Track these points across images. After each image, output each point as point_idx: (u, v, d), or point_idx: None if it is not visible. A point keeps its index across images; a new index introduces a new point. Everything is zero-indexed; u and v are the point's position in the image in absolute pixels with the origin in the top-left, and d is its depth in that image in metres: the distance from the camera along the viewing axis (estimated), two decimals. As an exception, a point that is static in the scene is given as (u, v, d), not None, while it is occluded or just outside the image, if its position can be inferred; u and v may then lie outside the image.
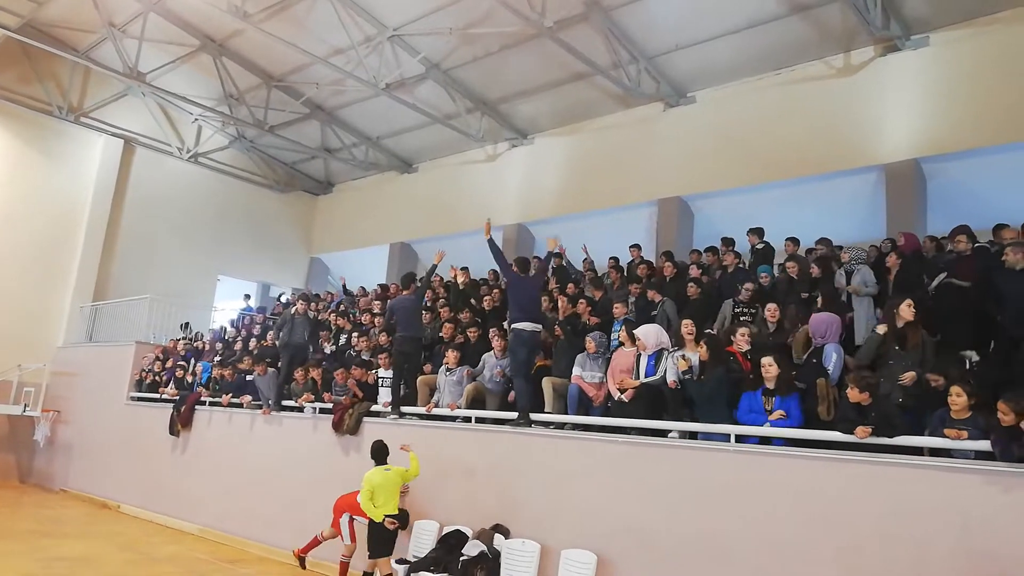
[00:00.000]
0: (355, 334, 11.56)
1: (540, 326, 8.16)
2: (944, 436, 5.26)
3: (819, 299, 7.23)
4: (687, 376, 6.70)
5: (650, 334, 7.23)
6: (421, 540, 7.95)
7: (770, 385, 6.25)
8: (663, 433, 6.89)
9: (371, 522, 7.37)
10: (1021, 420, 4.85)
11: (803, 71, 12.28)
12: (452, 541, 7.47)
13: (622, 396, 7.10)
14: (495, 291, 11.27)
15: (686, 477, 6.46)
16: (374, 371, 9.87)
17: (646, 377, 7.08)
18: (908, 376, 5.87)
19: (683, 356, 6.86)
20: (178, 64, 16.55)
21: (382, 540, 7.36)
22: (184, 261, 18.86)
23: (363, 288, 15.87)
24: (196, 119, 19.14)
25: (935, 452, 5.48)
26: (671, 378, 7.02)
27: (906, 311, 6.26)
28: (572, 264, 12.62)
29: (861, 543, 5.42)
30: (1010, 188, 10.47)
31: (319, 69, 15.23)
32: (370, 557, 7.41)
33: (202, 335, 15.85)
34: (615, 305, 8.94)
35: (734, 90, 13.10)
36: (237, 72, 16.60)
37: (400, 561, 7.66)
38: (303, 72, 16.11)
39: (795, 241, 9.84)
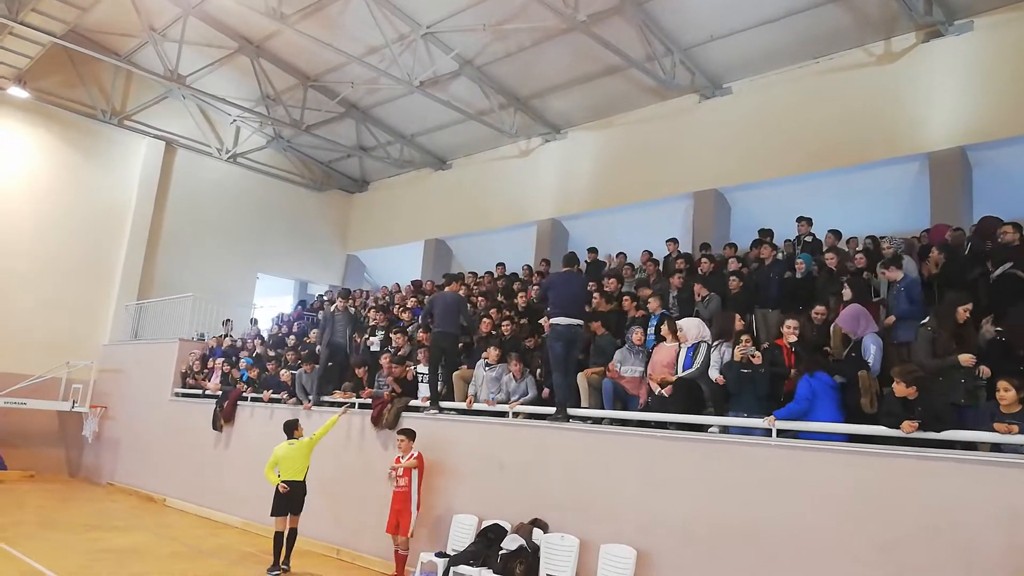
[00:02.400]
0: (393, 331, 11.66)
1: (580, 321, 8.12)
2: (993, 431, 5.13)
3: (845, 291, 7.10)
4: (746, 372, 6.63)
5: (692, 327, 7.18)
6: (460, 534, 8.00)
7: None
8: (701, 427, 6.83)
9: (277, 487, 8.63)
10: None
11: (842, 59, 12.04)
12: (491, 535, 7.50)
13: (663, 391, 7.05)
14: (529, 289, 11.25)
15: (726, 472, 6.39)
16: (413, 367, 9.96)
17: (683, 370, 7.02)
18: (966, 358, 5.75)
19: (756, 351, 6.78)
20: (216, 66, 16.86)
21: (279, 502, 8.65)
22: (224, 260, 19.25)
23: (397, 284, 16.01)
24: (234, 120, 19.48)
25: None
26: (715, 374, 6.98)
27: (963, 314, 6.11)
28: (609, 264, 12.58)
29: (906, 539, 5.31)
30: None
31: (354, 68, 15.39)
32: (271, 515, 8.71)
33: (230, 334, 16.11)
34: (650, 300, 8.91)
35: (771, 80, 12.89)
36: (274, 73, 16.85)
37: (439, 555, 7.73)
38: (338, 71, 16.29)
39: (837, 233, 9.67)
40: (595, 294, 9.60)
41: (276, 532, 8.69)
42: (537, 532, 7.32)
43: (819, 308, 7.33)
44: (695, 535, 6.40)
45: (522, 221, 16.66)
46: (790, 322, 6.85)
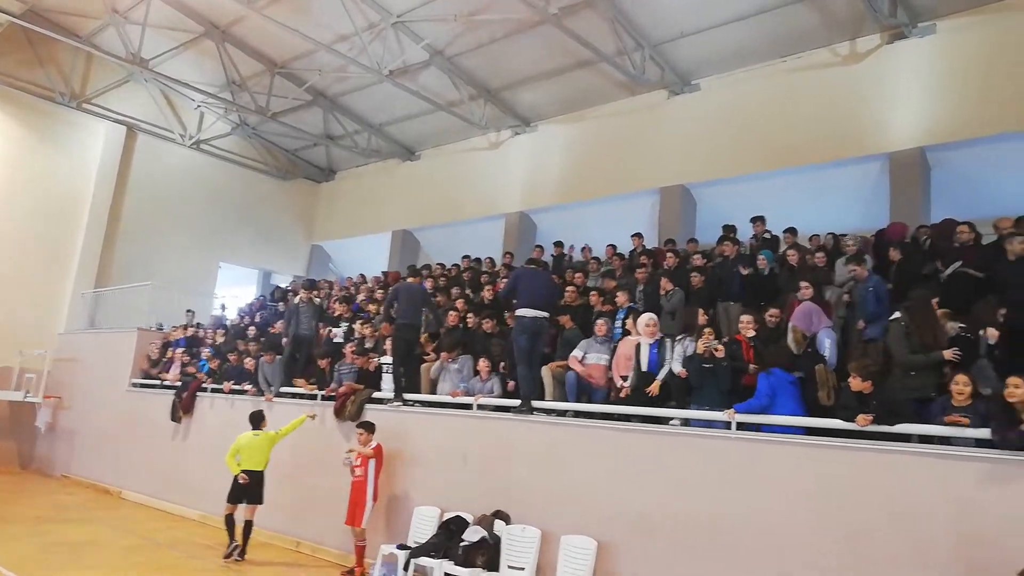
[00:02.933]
0: (358, 322, 11.55)
1: (545, 314, 8.11)
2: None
3: (805, 289, 7.20)
4: (708, 366, 6.68)
5: (655, 320, 7.22)
6: (422, 526, 7.96)
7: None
8: (664, 420, 6.88)
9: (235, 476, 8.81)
10: (1017, 405, 4.84)
11: (808, 58, 12.19)
12: (453, 527, 7.48)
13: (625, 385, 7.09)
14: (497, 282, 11.22)
15: (687, 464, 6.45)
16: (376, 358, 9.87)
17: (648, 366, 7.06)
18: (949, 353, 5.86)
19: (718, 344, 6.84)
20: (181, 50, 16.50)
21: (236, 490, 8.83)
22: (185, 248, 18.88)
23: (363, 276, 15.88)
24: (198, 106, 19.09)
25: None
26: (678, 368, 7.04)
27: (936, 309, 6.27)
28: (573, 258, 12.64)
29: (861, 529, 5.40)
30: (1014, 177, 10.39)
31: (322, 56, 15.17)
32: (227, 501, 8.84)
33: (199, 323, 15.84)
34: (618, 293, 8.96)
35: (739, 77, 13.01)
36: (240, 58, 16.55)
37: (400, 547, 7.68)
38: (306, 59, 16.05)
39: (793, 231, 9.83)
40: (568, 288, 9.61)
41: (227, 515, 8.86)
42: (499, 524, 7.31)
43: (772, 311, 7.37)
44: (656, 526, 6.45)
45: (491, 213, 16.61)
46: (745, 317, 6.92)
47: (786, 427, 6.09)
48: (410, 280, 9.64)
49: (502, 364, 8.66)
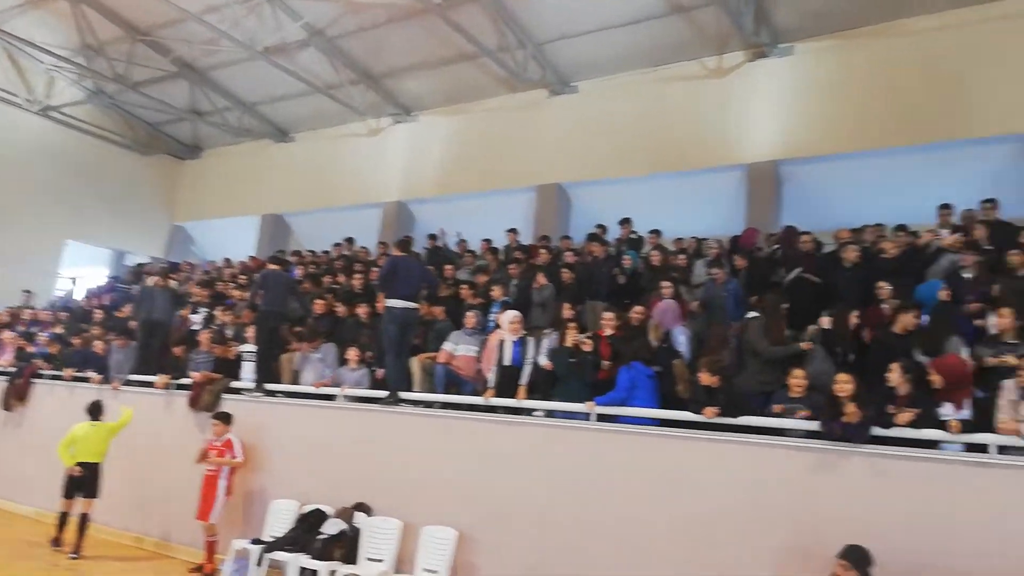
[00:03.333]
0: (219, 308, 10.99)
1: (416, 305, 8.04)
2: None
3: (663, 288, 7.57)
4: (574, 360, 6.85)
5: (518, 318, 7.32)
6: (278, 520, 7.67)
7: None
8: (528, 411, 7.00)
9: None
10: (842, 399, 5.31)
11: (679, 70, 12.77)
12: (311, 520, 7.26)
13: (490, 387, 7.17)
14: (371, 270, 11.02)
15: (549, 454, 6.59)
16: (235, 347, 9.43)
17: (512, 361, 7.16)
18: (806, 345, 6.41)
19: (586, 339, 7.01)
20: (29, 7, 15.01)
21: (69, 484, 8.36)
22: (27, 223, 17.09)
23: (228, 260, 15.13)
24: (49, 69, 17.45)
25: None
26: (544, 361, 7.18)
27: (784, 311, 6.81)
28: (448, 247, 12.63)
29: (709, 515, 5.72)
30: (855, 193, 11.34)
31: (191, 26, 14.24)
32: (62, 496, 8.36)
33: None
34: (493, 288, 9.04)
35: (615, 82, 13.44)
36: (98, 21, 15.24)
37: (255, 541, 7.37)
38: (173, 27, 15.01)
39: (657, 232, 10.31)
40: (443, 280, 9.59)
41: (61, 512, 8.41)
42: (360, 516, 7.19)
43: (637, 308, 7.66)
44: (517, 515, 6.55)
45: (367, 201, 16.29)
46: (608, 315, 7.17)
47: (641, 418, 6.37)
48: (276, 268, 9.24)
49: (369, 354, 8.51)
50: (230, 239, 18.72)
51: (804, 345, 6.47)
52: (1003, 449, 5.06)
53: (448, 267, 10.58)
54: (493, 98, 14.87)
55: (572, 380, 6.88)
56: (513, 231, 12.07)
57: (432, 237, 12.93)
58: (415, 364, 8.07)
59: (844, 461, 5.38)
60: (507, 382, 7.05)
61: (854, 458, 5.35)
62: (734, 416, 5.84)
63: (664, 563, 5.81)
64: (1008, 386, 5.20)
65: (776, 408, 5.67)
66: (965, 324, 6.37)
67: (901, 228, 8.65)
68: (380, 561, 6.86)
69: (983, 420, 5.24)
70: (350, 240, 14.30)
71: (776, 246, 9.21)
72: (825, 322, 6.63)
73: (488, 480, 6.81)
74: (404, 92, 15.65)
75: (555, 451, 6.60)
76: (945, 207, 8.83)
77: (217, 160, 20.00)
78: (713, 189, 12.57)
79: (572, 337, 7.08)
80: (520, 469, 6.68)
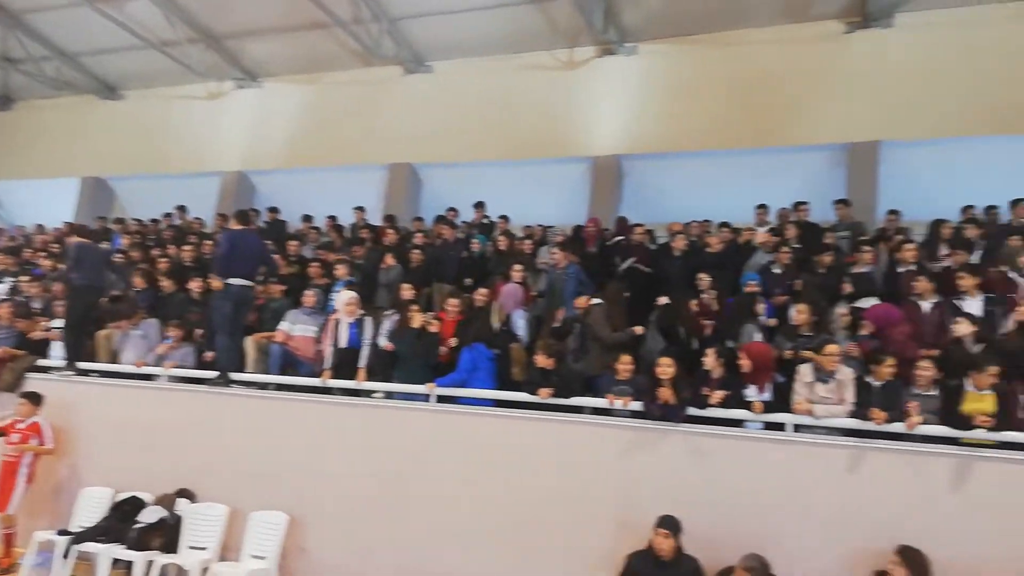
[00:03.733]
0: (25, 278, 9.92)
1: (251, 283, 7.67)
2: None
3: (514, 272, 7.76)
4: (418, 341, 6.83)
5: (354, 299, 7.19)
6: (89, 509, 7.09)
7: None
8: (367, 392, 6.92)
9: None
10: (663, 381, 5.69)
11: (533, 59, 12.98)
12: (126, 508, 6.78)
13: (325, 369, 7.01)
14: (204, 242, 10.37)
15: (387, 435, 6.57)
16: (43, 322, 8.57)
17: (348, 343, 7.03)
18: (639, 329, 6.85)
19: (433, 320, 7.01)
20: None
21: None
22: None
23: (41, 226, 13.68)
24: None
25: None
26: (383, 341, 7.11)
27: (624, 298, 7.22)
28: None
29: (543, 492, 5.96)
30: (689, 189, 12.07)
31: (-2, -42, 12.65)
32: None
33: None
34: (337, 266, 8.81)
35: (470, 66, 13.43)
36: None
37: (61, 532, 6.77)
38: (-24, -42, 13.27)
39: (505, 218, 10.53)
40: (279, 257, 9.19)
41: None
42: (183, 503, 6.81)
43: (482, 291, 7.72)
44: (354, 497, 6.50)
45: (204, 170, 15.23)
46: (453, 301, 7.21)
47: (480, 399, 6.49)
48: (85, 240, 8.45)
49: (199, 332, 8.03)
50: (44, 203, 16.85)
51: (637, 329, 6.85)
52: (798, 427, 5.64)
53: (292, 243, 10.18)
54: (345, 71, 14.40)
55: (414, 361, 6.88)
56: (360, 209, 11.83)
57: (273, 210, 12.35)
58: (250, 344, 7.71)
59: (663, 439, 5.79)
60: (346, 364, 6.92)
61: (672, 436, 5.77)
62: (567, 397, 6.10)
63: (501, 539, 6.00)
64: (804, 370, 5.79)
65: (609, 396, 5.97)
66: (772, 312, 7.01)
67: (724, 225, 9.34)
68: (203, 549, 6.54)
69: (782, 402, 5.80)
70: (182, 209, 13.38)
71: (618, 237, 9.65)
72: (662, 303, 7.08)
73: (324, 463, 6.68)
74: (249, 56, 14.78)
75: (394, 433, 6.59)
76: (761, 207, 9.66)
77: (31, 114, 17.88)
78: (561, 179, 12.91)
79: (418, 319, 7.07)
80: (358, 451, 6.62)
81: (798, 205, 9.52)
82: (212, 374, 7.41)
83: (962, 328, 5.92)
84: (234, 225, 8.06)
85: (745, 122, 11.41)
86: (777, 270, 7.79)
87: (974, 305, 6.38)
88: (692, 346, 6.73)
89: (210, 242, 10.09)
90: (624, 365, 6.09)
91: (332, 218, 11.53)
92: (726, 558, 5.04)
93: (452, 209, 11.45)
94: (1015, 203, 8.49)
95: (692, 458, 5.72)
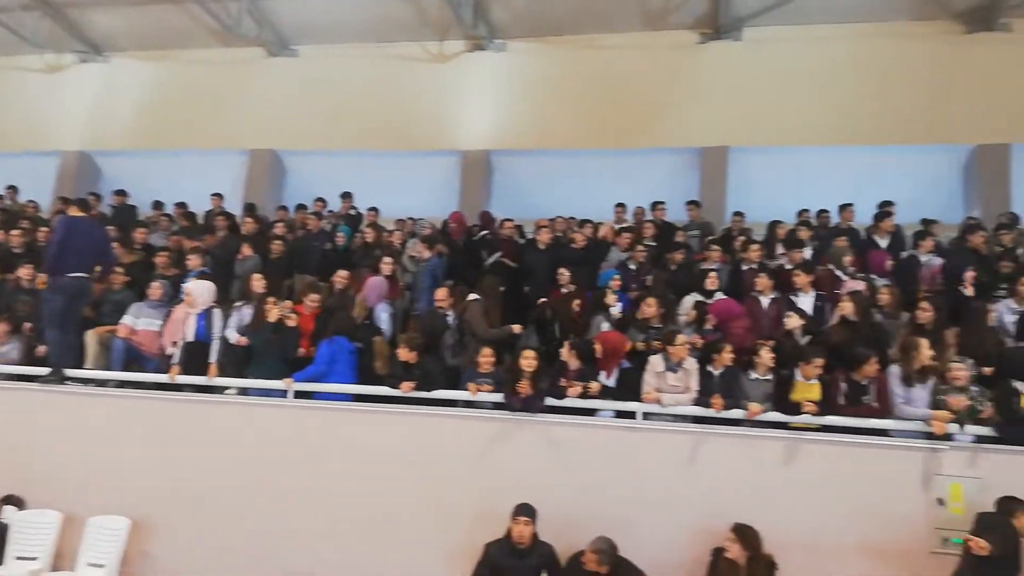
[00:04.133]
0: None
1: (87, 274, 7.09)
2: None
3: (383, 264, 7.67)
4: (276, 334, 6.59)
5: (203, 291, 6.85)
6: None
7: None
8: (219, 389, 6.63)
9: None
10: (524, 374, 5.83)
11: (403, 49, 12.84)
12: (-62, 520, 6.13)
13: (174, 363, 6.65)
14: (38, 228, 9.48)
15: (240, 433, 6.33)
16: None
17: (196, 336, 6.70)
18: (518, 328, 6.93)
19: (292, 312, 6.77)
20: None
21: None
22: None
23: None
24: None
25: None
26: (235, 337, 6.82)
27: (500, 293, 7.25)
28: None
29: (400, 487, 5.95)
30: (556, 186, 12.31)
31: None
32: None
33: None
34: (189, 256, 8.33)
35: (338, 52, 13.09)
36: None
37: None
38: None
39: (375, 210, 10.37)
40: (118, 244, 8.56)
41: None
42: (9, 510, 6.25)
43: (341, 276, 7.61)
44: (206, 499, 6.22)
45: (41, 148, 13.94)
46: (313, 296, 7.02)
47: (340, 395, 6.37)
48: None
49: (28, 325, 7.36)
50: None
51: (515, 328, 6.93)
52: (647, 415, 5.94)
53: (139, 231, 9.52)
54: (202, 49, 13.62)
55: (270, 356, 6.64)
56: (218, 196, 11.26)
57: (120, 193, 11.49)
58: (91, 338, 7.17)
59: (521, 430, 5.94)
60: (196, 359, 6.58)
61: (530, 427, 5.92)
62: (429, 390, 6.11)
63: (361, 533, 5.94)
64: (654, 361, 6.10)
65: (470, 388, 6.03)
66: (627, 306, 7.31)
67: (587, 222, 9.66)
68: (33, 559, 6.04)
69: (627, 388, 6.06)
70: (13, 189, 12.19)
71: (483, 232, 9.74)
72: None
73: (172, 463, 6.35)
74: (93, 27, 13.65)
75: (250, 430, 6.35)
76: (620, 206, 10.09)
77: None
78: (431, 172, 12.85)
79: (275, 312, 6.82)
80: (210, 450, 6.33)
81: (656, 205, 9.98)
82: (44, 371, 6.82)
83: (792, 322, 6.44)
84: (73, 212, 7.43)
85: (608, 123, 11.84)
86: (633, 266, 8.15)
87: (806, 301, 6.94)
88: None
89: (45, 228, 9.25)
90: (485, 358, 6.17)
91: (182, 205, 10.88)
92: (580, 543, 5.21)
93: (319, 199, 11.14)
94: (843, 207, 9.32)
95: (549, 447, 5.90)
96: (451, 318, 6.92)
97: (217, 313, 6.72)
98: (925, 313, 6.15)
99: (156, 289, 7.29)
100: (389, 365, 6.40)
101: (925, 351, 5.57)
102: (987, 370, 5.84)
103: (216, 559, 6.08)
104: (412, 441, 6.07)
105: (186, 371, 6.60)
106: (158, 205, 11.37)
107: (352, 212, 10.70)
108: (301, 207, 10.35)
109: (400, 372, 6.16)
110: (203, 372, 6.60)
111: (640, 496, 5.67)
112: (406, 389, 6.06)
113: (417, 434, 6.08)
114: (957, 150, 11.09)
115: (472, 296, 7.08)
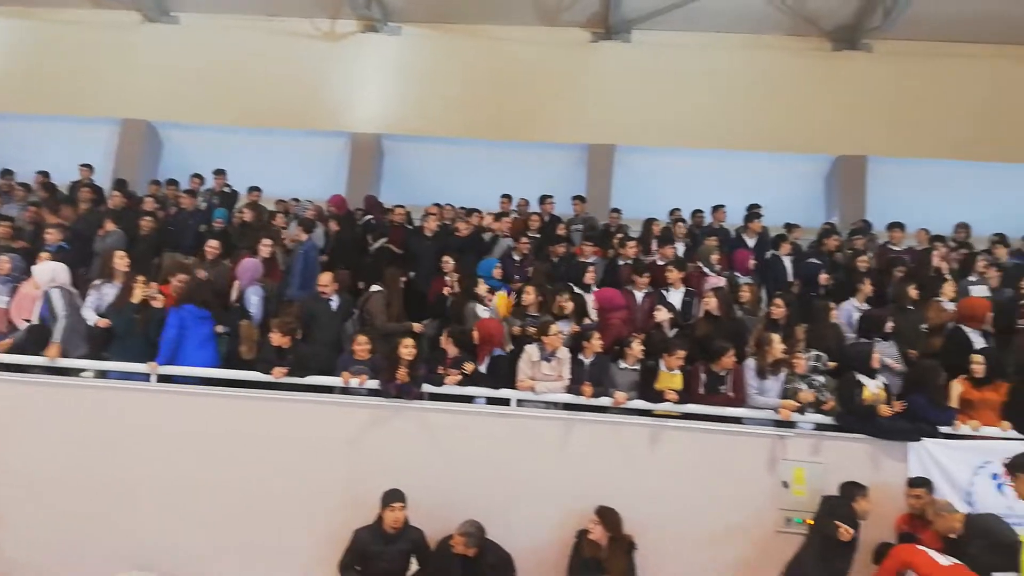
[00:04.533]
0: None
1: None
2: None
3: (262, 246, 7.43)
4: (139, 315, 6.24)
5: (45, 271, 6.40)
6: None
7: None
8: (75, 372, 6.23)
9: None
10: (402, 361, 5.83)
11: (292, 25, 12.45)
12: None
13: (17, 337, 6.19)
14: None
15: (98, 418, 5.97)
16: None
17: (39, 318, 6.27)
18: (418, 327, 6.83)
19: (158, 293, 6.43)
20: None
21: None
22: None
23: None
24: None
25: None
26: (93, 318, 6.42)
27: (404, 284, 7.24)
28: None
29: (271, 473, 5.82)
30: (446, 174, 12.29)
31: None
32: None
33: None
34: (50, 230, 7.78)
35: (221, 23, 12.52)
36: None
37: None
38: None
39: (257, 189, 10.02)
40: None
41: None
42: None
43: (212, 242, 7.35)
44: (59, 488, 5.86)
45: None
46: (182, 276, 6.71)
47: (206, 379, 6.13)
48: None
49: None
50: None
51: (416, 327, 6.88)
52: (521, 402, 6.07)
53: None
54: (74, 9, 12.68)
55: (132, 339, 6.28)
56: (87, 167, 10.55)
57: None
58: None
59: (396, 416, 5.93)
60: (40, 340, 6.14)
61: (405, 413, 5.92)
62: (302, 376, 5.99)
63: (229, 520, 5.79)
64: (531, 350, 6.21)
65: (345, 376, 5.96)
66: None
67: (474, 211, 9.71)
68: None
69: (502, 378, 6.16)
70: None
71: (367, 216, 9.60)
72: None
73: (14, 453, 5.90)
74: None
75: (109, 415, 6.00)
76: (506, 197, 10.21)
77: None
78: (319, 153, 12.53)
79: (139, 292, 6.45)
80: (63, 437, 5.94)
81: (544, 199, 10.14)
82: None
83: (661, 315, 6.74)
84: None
85: (499, 115, 11.96)
86: (517, 258, 8.28)
87: (676, 296, 7.28)
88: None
89: None
90: (361, 346, 6.11)
91: (44, 174, 10.11)
92: (452, 527, 5.26)
93: (196, 176, 10.63)
94: (716, 208, 9.81)
95: (424, 433, 5.92)
96: (334, 303, 6.78)
97: (57, 294, 6.20)
98: (778, 310, 6.58)
99: (3, 263, 6.74)
100: (259, 350, 6.21)
101: (777, 345, 5.98)
102: (832, 364, 6.32)
103: (74, 551, 5.76)
104: (282, 427, 5.92)
105: (31, 352, 6.16)
106: (6, 174, 10.52)
107: (227, 190, 10.27)
108: (172, 183, 9.83)
109: (272, 357, 6.00)
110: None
111: (512, 481, 5.79)
112: (278, 375, 5.91)
113: (288, 420, 5.94)
114: (821, 159, 11.92)
115: (375, 288, 7.02)
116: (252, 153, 12.24)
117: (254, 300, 6.57)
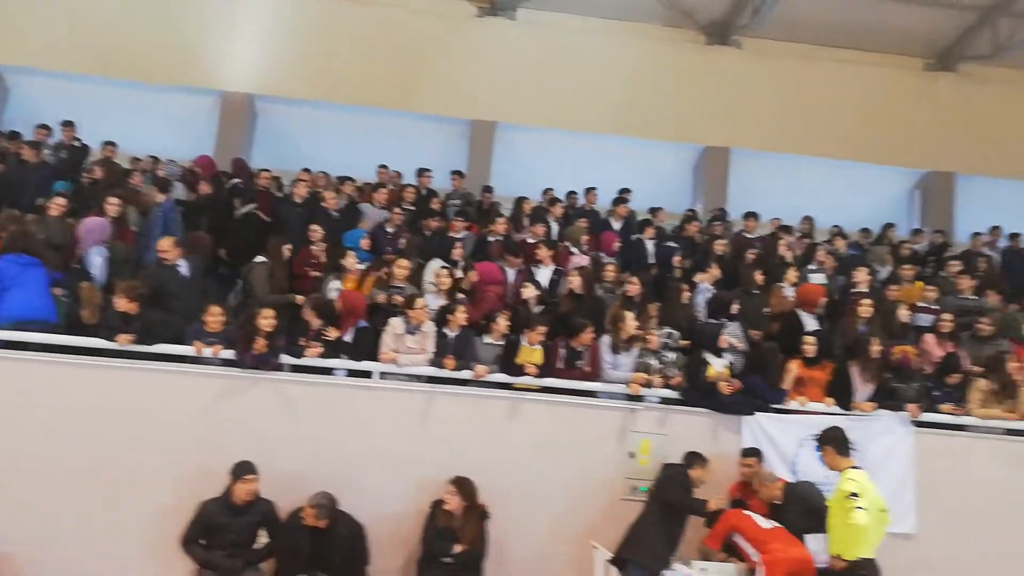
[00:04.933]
0: None
1: None
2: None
3: (108, 205, 6.96)
4: None
5: None
6: None
7: None
8: None
9: None
10: (259, 332, 5.67)
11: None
12: None
13: None
14: None
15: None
16: None
17: None
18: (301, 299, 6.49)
19: None
20: None
21: None
22: None
23: None
24: None
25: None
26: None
27: (287, 252, 7.03)
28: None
29: (117, 445, 5.53)
30: (324, 140, 11.87)
31: None
32: None
33: None
34: None
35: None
36: None
37: None
38: None
39: (113, 144, 9.50)
40: None
41: None
42: None
43: (58, 199, 6.90)
44: None
45: None
46: (13, 228, 6.18)
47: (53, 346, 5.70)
48: None
49: None
50: None
51: (298, 299, 6.59)
52: (384, 375, 6.06)
53: None
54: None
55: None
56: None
57: None
58: None
59: (252, 387, 5.76)
60: None
61: (261, 384, 5.77)
62: (149, 344, 5.70)
63: (65, 500, 5.44)
64: (395, 323, 6.19)
65: (197, 346, 5.71)
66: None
67: (347, 179, 9.50)
68: None
69: (365, 351, 6.13)
70: None
71: (235, 180, 9.20)
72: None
73: None
74: None
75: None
76: (383, 167, 10.07)
77: None
78: (184, 110, 11.85)
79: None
80: None
81: (422, 172, 10.04)
82: None
83: (528, 292, 6.90)
84: None
85: (381, 82, 11.74)
86: (390, 229, 8.20)
87: (545, 274, 7.46)
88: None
89: None
90: (214, 317, 5.87)
91: None
92: (306, 500, 5.21)
93: (42, 127, 9.75)
94: (588, 190, 10.10)
95: (281, 405, 5.78)
96: (183, 269, 6.44)
97: None
98: (633, 287, 6.89)
99: None
100: (102, 315, 5.84)
101: (631, 322, 6.27)
102: (683, 342, 6.69)
103: None
104: (128, 397, 5.60)
105: None
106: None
107: (76, 144, 9.51)
108: (15, 135, 9.01)
109: (117, 323, 5.66)
110: None
111: (371, 452, 5.78)
112: (123, 341, 5.59)
113: (135, 390, 5.62)
114: (690, 148, 12.50)
115: (259, 258, 6.79)
116: (111, 107, 11.41)
117: (97, 261, 6.14)
